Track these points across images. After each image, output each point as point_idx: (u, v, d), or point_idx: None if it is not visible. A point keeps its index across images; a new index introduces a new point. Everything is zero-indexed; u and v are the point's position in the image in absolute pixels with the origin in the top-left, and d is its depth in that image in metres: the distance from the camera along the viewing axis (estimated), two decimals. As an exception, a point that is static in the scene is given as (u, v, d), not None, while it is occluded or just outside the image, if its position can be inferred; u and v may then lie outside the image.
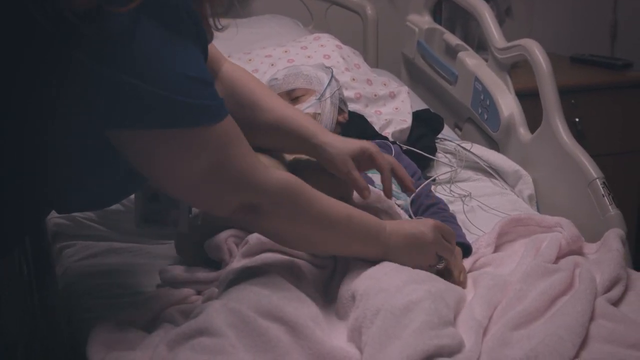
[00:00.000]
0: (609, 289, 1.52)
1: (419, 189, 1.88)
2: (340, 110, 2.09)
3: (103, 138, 1.25)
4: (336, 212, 1.44)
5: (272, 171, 1.38)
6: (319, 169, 1.64)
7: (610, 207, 1.93)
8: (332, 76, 2.08)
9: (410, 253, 1.52)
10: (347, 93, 2.27)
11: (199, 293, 1.62)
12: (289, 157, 1.66)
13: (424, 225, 1.53)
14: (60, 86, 1.17)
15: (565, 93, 2.27)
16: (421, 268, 1.52)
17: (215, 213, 1.43)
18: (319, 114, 1.99)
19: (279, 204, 1.38)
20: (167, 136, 1.24)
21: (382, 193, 1.75)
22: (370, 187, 1.76)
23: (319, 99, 2.01)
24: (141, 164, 1.30)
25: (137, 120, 1.21)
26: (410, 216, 1.81)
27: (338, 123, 2.07)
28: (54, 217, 1.87)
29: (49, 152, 1.25)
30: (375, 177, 1.86)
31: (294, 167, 1.65)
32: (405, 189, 1.71)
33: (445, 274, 1.61)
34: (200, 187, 1.33)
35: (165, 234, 1.89)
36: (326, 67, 2.12)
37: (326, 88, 2.03)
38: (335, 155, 1.63)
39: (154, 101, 1.19)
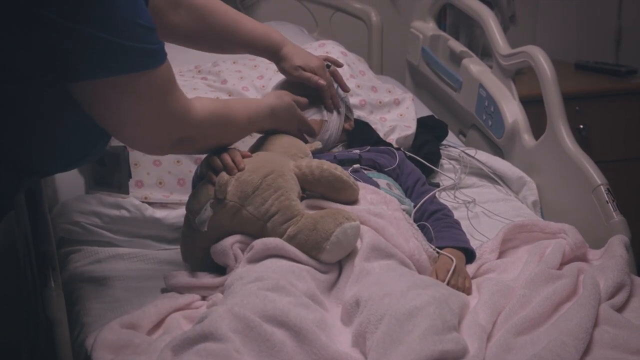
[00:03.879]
0: (612, 295, 1.52)
1: (424, 199, 1.88)
2: (347, 118, 2.09)
3: (68, 95, 1.34)
4: (240, 117, 1.68)
5: (201, 104, 1.55)
6: (329, 181, 1.66)
7: (614, 213, 1.93)
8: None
9: (284, 119, 1.81)
10: (352, 100, 2.28)
11: (204, 298, 1.62)
12: (302, 165, 1.67)
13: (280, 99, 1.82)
14: (25, 44, 1.25)
15: (569, 100, 2.27)
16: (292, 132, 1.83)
17: (154, 153, 1.62)
18: (326, 121, 2.00)
19: (209, 132, 1.60)
20: (124, 82, 1.34)
21: (387, 196, 1.75)
22: (376, 189, 1.77)
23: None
24: (98, 112, 1.39)
25: (98, 69, 1.31)
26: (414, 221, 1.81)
27: (344, 130, 2.07)
28: (60, 224, 1.87)
29: (23, 114, 1.33)
30: (380, 181, 1.87)
31: (305, 178, 1.67)
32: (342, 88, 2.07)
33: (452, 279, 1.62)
34: (147, 128, 1.46)
35: (170, 239, 1.90)
36: (333, 75, 2.13)
37: (334, 95, 2.04)
38: (288, 66, 1.96)
39: (111, 49, 1.29)
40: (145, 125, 1.45)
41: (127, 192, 1.74)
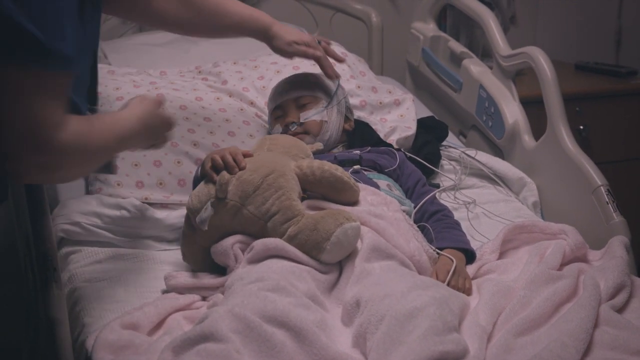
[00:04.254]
0: (613, 296, 1.52)
1: (424, 199, 1.88)
2: (347, 119, 2.10)
3: None
4: (107, 140, 1.46)
5: (67, 125, 1.34)
6: (330, 182, 1.67)
7: (614, 214, 1.93)
8: (339, 84, 2.09)
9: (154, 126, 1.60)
10: (352, 100, 2.28)
11: (204, 299, 1.63)
12: (303, 165, 1.67)
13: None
14: None
15: (569, 100, 2.27)
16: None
17: (13, 177, 1.42)
18: (326, 121, 2.00)
19: (74, 158, 1.38)
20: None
21: (388, 197, 1.75)
22: (376, 191, 1.77)
23: (326, 106, 2.02)
24: None
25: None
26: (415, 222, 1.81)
27: (344, 131, 2.08)
28: (60, 224, 1.87)
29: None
30: (381, 182, 1.87)
31: (306, 179, 1.67)
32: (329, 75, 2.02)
33: (453, 279, 1.62)
34: (8, 135, 1.28)
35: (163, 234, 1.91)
36: (333, 76, 2.13)
37: (333, 96, 2.04)
38: (282, 43, 1.98)
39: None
40: (10, 135, 1.28)
41: (114, 172, 1.70)
